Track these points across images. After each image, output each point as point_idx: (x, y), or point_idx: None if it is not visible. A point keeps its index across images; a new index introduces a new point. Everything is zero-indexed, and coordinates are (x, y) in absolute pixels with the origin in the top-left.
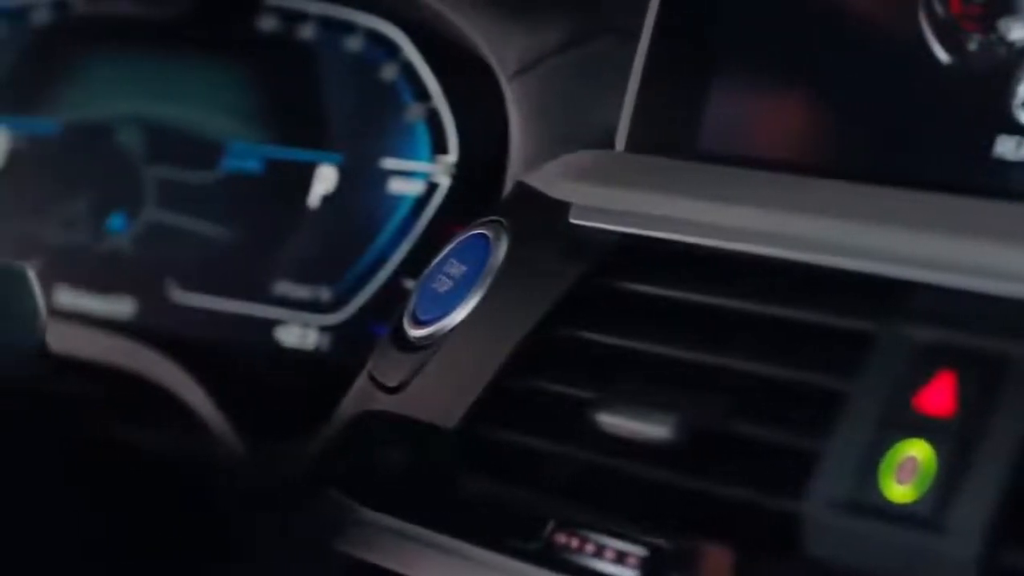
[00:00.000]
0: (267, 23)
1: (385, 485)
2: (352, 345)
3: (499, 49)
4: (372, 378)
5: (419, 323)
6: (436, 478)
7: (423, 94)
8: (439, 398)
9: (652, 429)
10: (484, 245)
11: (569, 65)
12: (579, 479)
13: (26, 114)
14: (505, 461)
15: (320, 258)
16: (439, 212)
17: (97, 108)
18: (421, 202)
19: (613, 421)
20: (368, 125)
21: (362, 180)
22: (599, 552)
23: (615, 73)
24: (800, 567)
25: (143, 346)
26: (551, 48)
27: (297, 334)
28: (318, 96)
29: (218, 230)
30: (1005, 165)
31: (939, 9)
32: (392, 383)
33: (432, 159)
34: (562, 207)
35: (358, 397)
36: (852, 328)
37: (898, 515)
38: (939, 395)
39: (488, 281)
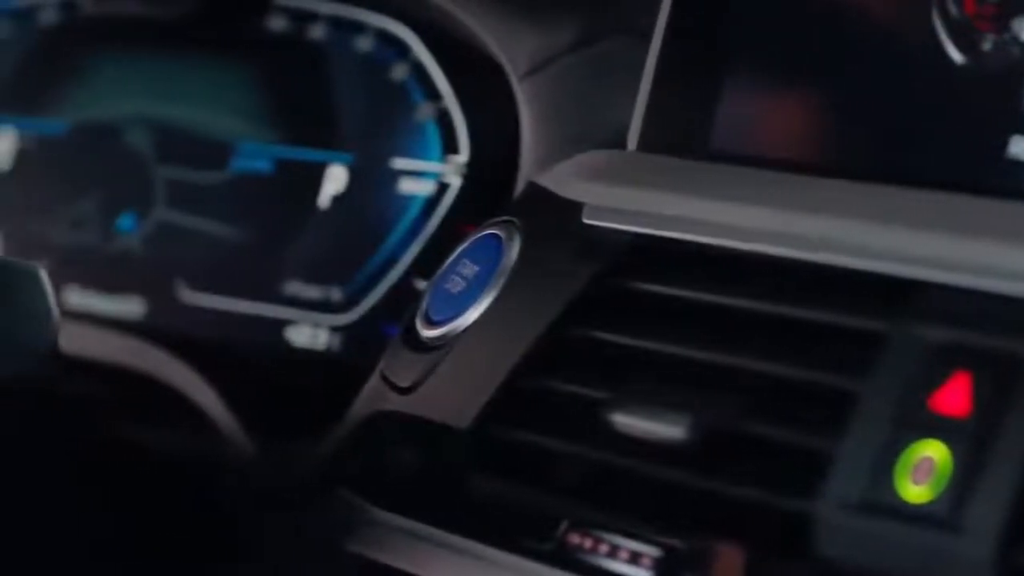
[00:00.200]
0: (277, 23)
1: (397, 485)
2: (363, 345)
3: (510, 49)
4: (384, 378)
5: (432, 323)
6: (448, 478)
7: (434, 94)
8: (452, 398)
9: (666, 429)
10: (497, 245)
11: (580, 65)
12: (593, 479)
13: (34, 114)
14: (518, 461)
15: (331, 258)
16: (450, 212)
17: (106, 108)
18: (432, 202)
19: (627, 421)
20: (378, 125)
21: (372, 180)
22: (613, 552)
23: (626, 73)
24: (814, 567)
25: (153, 346)
26: (562, 48)
27: (308, 334)
28: (328, 96)
29: (228, 230)
30: (1019, 165)
31: (953, 9)
32: (405, 383)
33: (443, 159)
34: (575, 207)
35: (370, 397)
36: (865, 328)
37: (914, 515)
38: (955, 395)
39: (501, 281)
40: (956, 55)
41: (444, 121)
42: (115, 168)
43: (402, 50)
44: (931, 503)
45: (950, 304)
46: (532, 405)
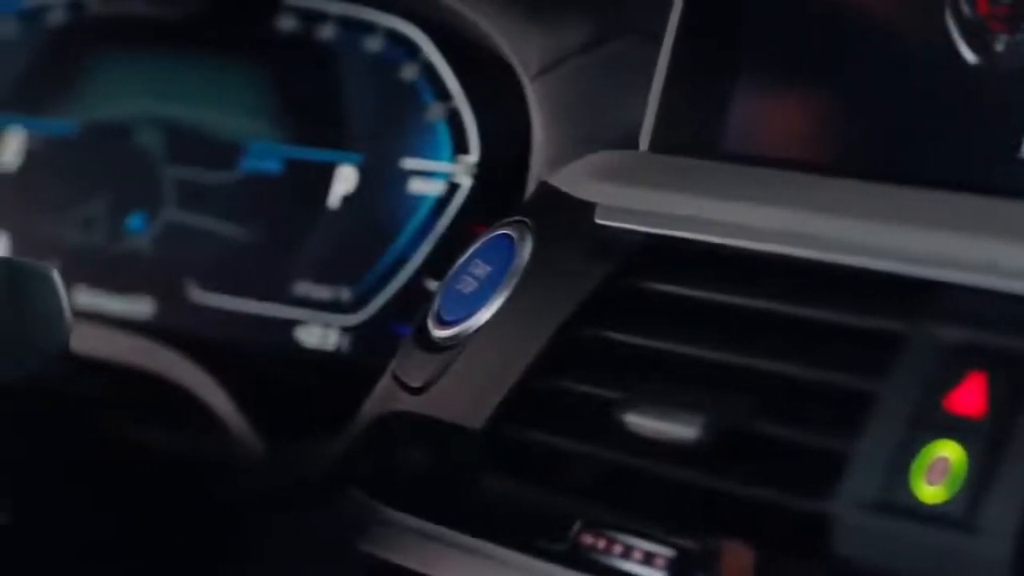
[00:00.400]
0: (286, 23)
1: (409, 485)
2: (372, 346)
3: (520, 49)
4: (396, 378)
5: (444, 324)
6: (460, 478)
7: (444, 94)
8: (464, 399)
9: (679, 429)
10: (509, 245)
11: (591, 65)
12: (605, 479)
13: (43, 114)
14: (531, 461)
15: (340, 258)
16: (460, 212)
17: (114, 108)
18: (442, 202)
19: (639, 421)
20: (388, 125)
21: (382, 180)
22: (626, 553)
23: (637, 73)
24: (829, 567)
25: (163, 346)
26: (573, 48)
27: (317, 334)
28: (338, 96)
29: (238, 230)
30: None
31: (966, 9)
32: (416, 383)
33: (453, 159)
34: (587, 207)
35: (382, 397)
36: (879, 328)
37: (929, 516)
38: (970, 396)
39: (513, 281)
40: (969, 55)
41: (454, 121)
42: (124, 168)
43: (412, 50)
44: (946, 503)
45: (965, 304)
46: (544, 405)
